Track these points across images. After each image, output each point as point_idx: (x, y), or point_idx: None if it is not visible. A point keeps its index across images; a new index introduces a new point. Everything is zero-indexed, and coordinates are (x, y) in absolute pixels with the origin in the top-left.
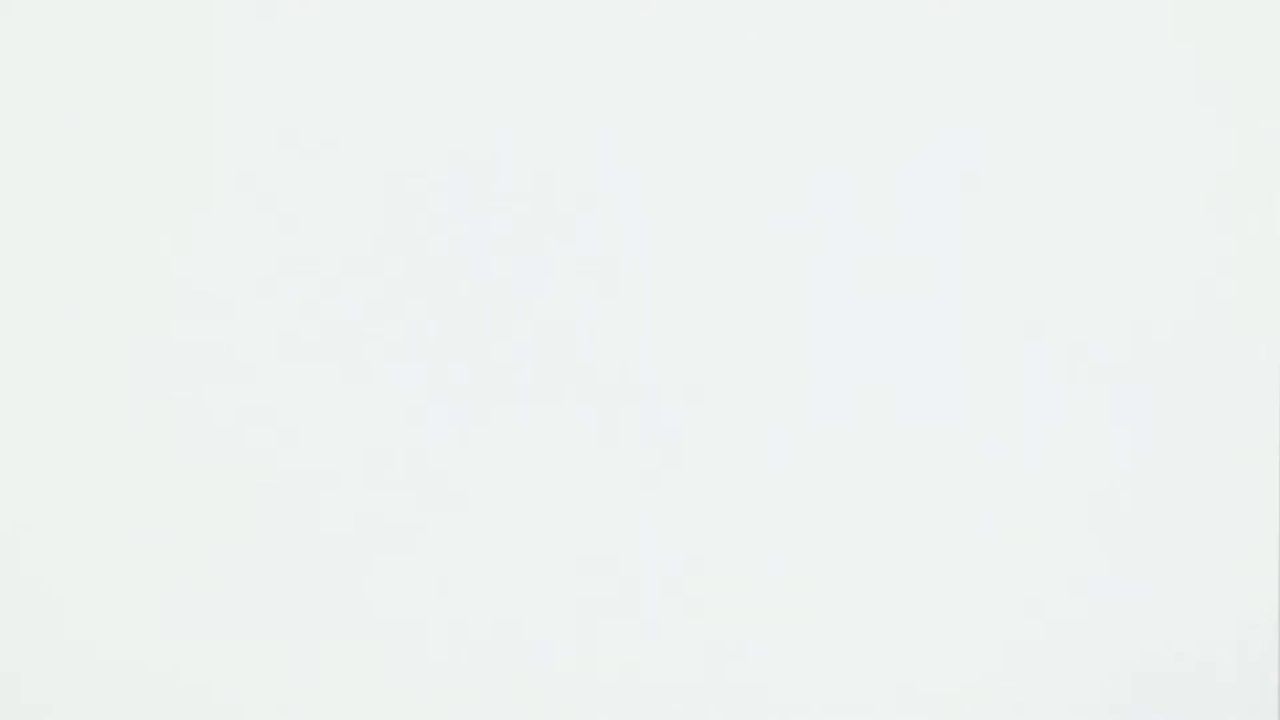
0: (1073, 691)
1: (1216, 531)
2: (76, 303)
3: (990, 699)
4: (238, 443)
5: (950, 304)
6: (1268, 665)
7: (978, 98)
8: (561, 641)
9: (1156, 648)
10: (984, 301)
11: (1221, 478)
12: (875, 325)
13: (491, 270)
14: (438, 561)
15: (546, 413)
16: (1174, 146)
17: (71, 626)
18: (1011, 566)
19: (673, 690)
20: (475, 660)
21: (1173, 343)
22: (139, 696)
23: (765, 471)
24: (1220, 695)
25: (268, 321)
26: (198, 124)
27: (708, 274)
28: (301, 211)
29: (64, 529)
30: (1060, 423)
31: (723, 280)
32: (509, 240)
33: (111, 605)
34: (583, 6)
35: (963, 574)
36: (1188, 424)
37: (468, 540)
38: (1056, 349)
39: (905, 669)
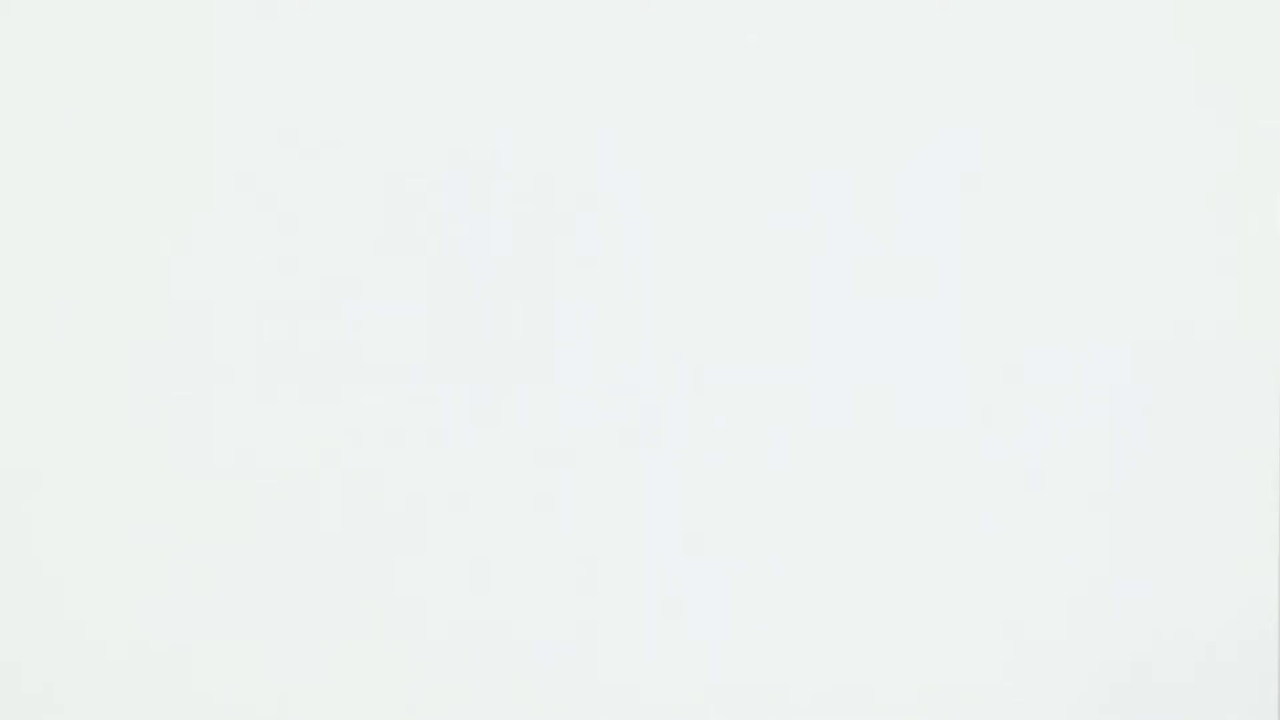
0: (1073, 691)
1: (1216, 531)
2: (76, 303)
3: (989, 699)
4: (238, 442)
5: (949, 302)
6: (1268, 665)
7: (977, 98)
8: (561, 641)
9: (1156, 648)
10: (983, 300)
11: (1221, 477)
12: (875, 325)
13: (492, 269)
14: (439, 561)
15: (547, 412)
16: (1174, 146)
17: (72, 626)
18: (1010, 566)
19: (672, 690)
20: (475, 660)
21: (1172, 342)
22: (139, 696)
23: (766, 471)
24: (1220, 695)
25: (268, 321)
26: (198, 124)
27: (708, 274)
28: (301, 211)
29: (64, 529)
30: (1060, 421)
31: (723, 280)
32: (509, 240)
33: (112, 604)
34: (583, 6)
35: (962, 575)
36: (1188, 423)
37: (469, 540)
38: (1056, 348)
39: (906, 668)
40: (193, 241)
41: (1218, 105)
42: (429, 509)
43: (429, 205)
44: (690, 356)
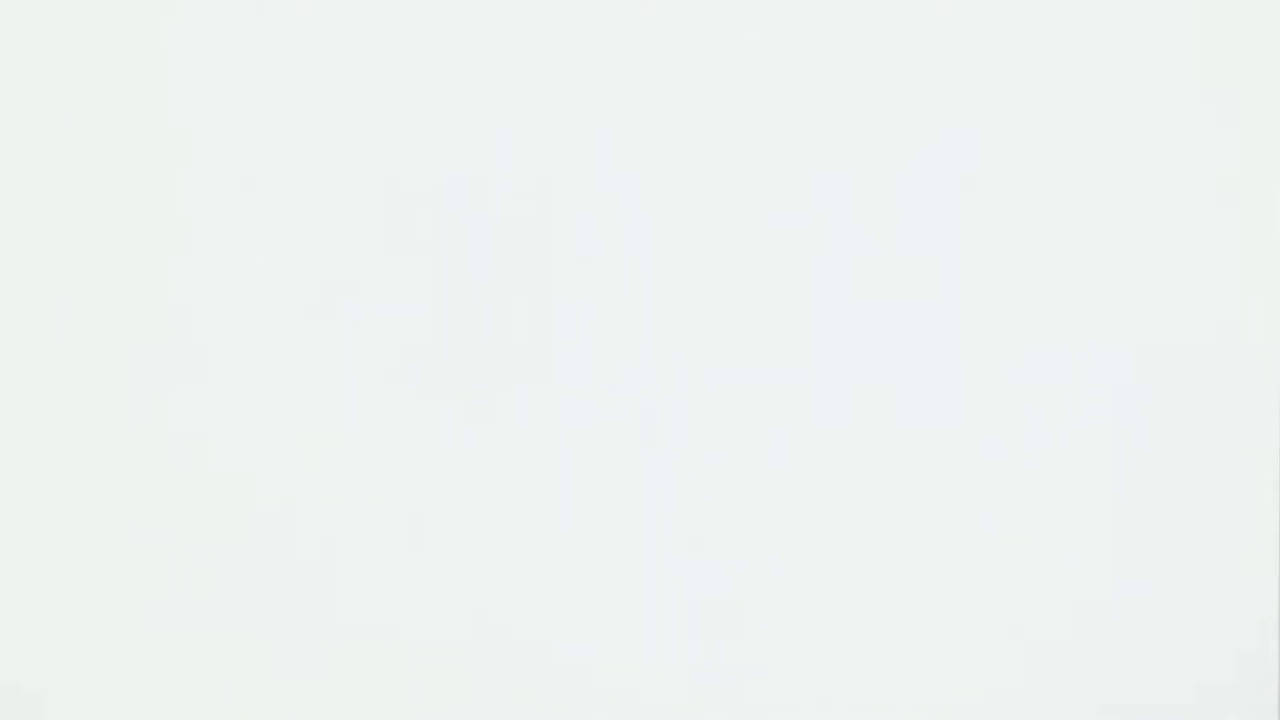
0: (1073, 692)
1: (1216, 532)
2: (76, 303)
3: (989, 700)
4: (237, 442)
5: (949, 302)
6: (1267, 667)
7: (977, 98)
8: (560, 641)
9: (1157, 649)
10: (983, 300)
11: (1221, 477)
12: (875, 325)
13: (492, 270)
14: (439, 561)
15: (547, 412)
16: (1174, 146)
17: (71, 625)
18: (1010, 567)
19: (672, 690)
20: (475, 660)
21: (1172, 342)
22: (139, 696)
23: (767, 472)
24: (1220, 696)
25: (267, 322)
26: (198, 124)
27: (709, 274)
28: (301, 212)
29: (64, 529)
30: (1060, 421)
31: (724, 280)
32: (509, 241)
33: (111, 604)
34: (581, 10)
35: (961, 575)
36: (1188, 424)
37: (469, 541)
38: (1056, 348)
39: (906, 668)
40: (193, 241)
41: (1218, 105)
42: (429, 509)
43: (429, 206)
44: (690, 357)
